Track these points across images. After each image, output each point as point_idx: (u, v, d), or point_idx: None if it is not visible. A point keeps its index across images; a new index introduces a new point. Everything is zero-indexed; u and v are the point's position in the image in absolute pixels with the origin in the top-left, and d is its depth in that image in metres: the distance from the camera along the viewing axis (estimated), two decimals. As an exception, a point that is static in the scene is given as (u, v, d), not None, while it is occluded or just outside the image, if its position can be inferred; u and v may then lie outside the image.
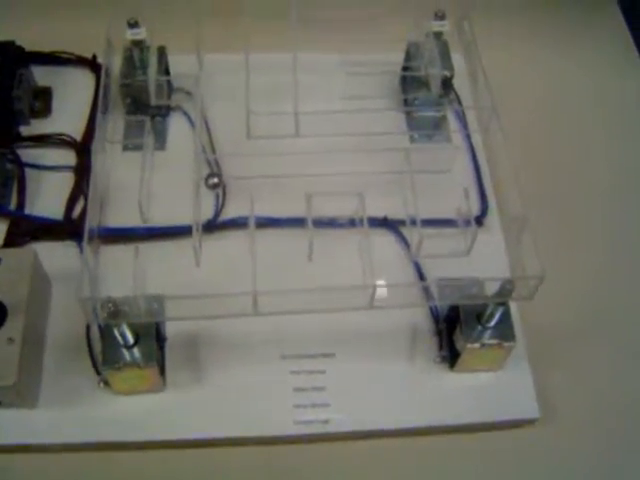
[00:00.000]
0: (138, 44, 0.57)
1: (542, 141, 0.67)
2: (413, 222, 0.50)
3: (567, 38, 0.74)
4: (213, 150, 0.59)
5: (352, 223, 0.54)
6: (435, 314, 0.55)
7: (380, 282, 0.47)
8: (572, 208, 0.63)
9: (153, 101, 0.55)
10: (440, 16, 0.58)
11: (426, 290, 0.53)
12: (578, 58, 0.73)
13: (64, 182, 0.60)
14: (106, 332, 0.49)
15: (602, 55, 0.74)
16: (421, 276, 0.56)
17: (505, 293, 0.47)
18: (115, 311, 0.45)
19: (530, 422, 0.53)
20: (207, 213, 0.58)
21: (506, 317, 0.50)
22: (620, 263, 0.61)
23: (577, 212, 0.63)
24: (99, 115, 0.51)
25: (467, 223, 0.51)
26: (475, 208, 0.59)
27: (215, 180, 0.53)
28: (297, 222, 0.55)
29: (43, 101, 0.64)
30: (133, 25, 0.56)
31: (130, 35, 0.56)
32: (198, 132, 0.51)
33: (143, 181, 0.49)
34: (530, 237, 0.49)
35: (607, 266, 0.61)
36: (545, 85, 0.71)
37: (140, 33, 0.56)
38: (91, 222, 0.48)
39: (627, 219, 0.63)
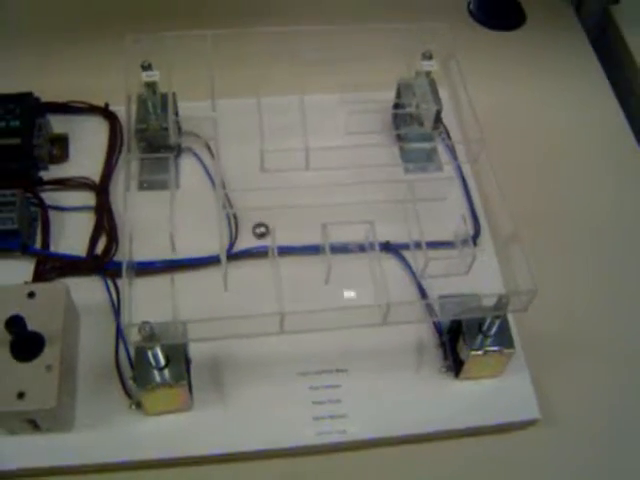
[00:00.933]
0: (152, 86, 0.62)
1: (526, 167, 0.72)
2: (417, 245, 0.55)
3: (546, 75, 0.80)
4: (224, 186, 0.64)
5: (362, 248, 0.58)
6: (438, 328, 0.59)
7: (392, 301, 0.51)
8: (559, 226, 0.68)
9: (172, 140, 0.59)
10: (428, 56, 0.63)
11: (430, 307, 0.58)
12: (556, 93, 0.79)
13: (84, 222, 0.64)
14: (139, 355, 0.52)
15: (578, 90, 0.80)
16: (423, 294, 0.61)
17: (501, 307, 0.52)
18: (151, 334, 0.49)
19: (531, 423, 0.57)
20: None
21: (505, 326, 0.55)
22: (607, 275, 0.66)
23: (563, 229, 0.69)
24: (124, 155, 0.55)
25: (465, 244, 0.56)
26: (469, 230, 0.64)
27: (262, 229, 0.57)
28: (310, 249, 0.60)
29: (60, 147, 0.68)
30: (146, 68, 0.60)
31: (145, 77, 0.60)
32: (217, 167, 0.56)
33: (172, 212, 0.53)
34: (522, 254, 0.53)
35: (596, 279, 0.66)
36: (527, 118, 0.77)
37: (154, 75, 0.60)
38: (124, 256, 0.52)
39: (608, 234, 0.69)
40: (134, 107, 0.64)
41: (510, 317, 0.58)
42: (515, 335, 0.58)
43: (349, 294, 0.58)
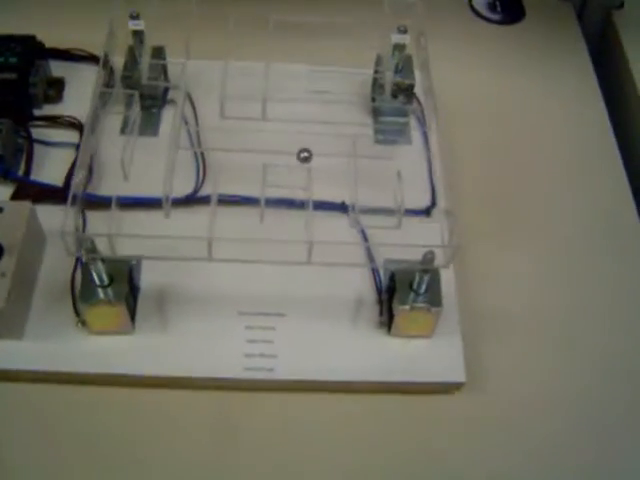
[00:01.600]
0: (138, 35, 0.66)
1: (502, 153, 0.75)
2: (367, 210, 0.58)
3: (532, 63, 0.83)
4: (197, 131, 0.68)
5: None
6: (378, 285, 0.62)
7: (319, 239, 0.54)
8: (517, 208, 0.71)
9: (144, 79, 0.63)
10: (403, 30, 0.66)
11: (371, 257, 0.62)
12: (545, 87, 0.81)
13: (66, 157, 0.68)
14: (85, 273, 0.56)
15: (566, 87, 0.81)
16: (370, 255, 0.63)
17: (427, 261, 0.55)
18: (93, 247, 0.53)
19: (457, 387, 0.59)
20: (188, 189, 0.66)
21: (435, 286, 0.57)
22: (555, 260, 0.68)
23: (520, 211, 0.71)
24: (96, 88, 0.59)
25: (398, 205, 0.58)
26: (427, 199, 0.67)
27: (306, 154, 0.58)
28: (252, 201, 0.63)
29: (56, 89, 0.72)
30: (134, 17, 0.65)
31: (131, 26, 0.65)
32: (180, 108, 0.59)
33: (128, 142, 0.57)
34: (450, 221, 0.56)
35: (543, 262, 0.68)
36: (513, 108, 0.79)
37: (140, 24, 0.65)
38: (77, 181, 0.56)
39: (566, 224, 0.70)
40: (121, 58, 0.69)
41: (453, 286, 0.61)
42: (453, 303, 0.60)
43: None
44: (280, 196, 0.60)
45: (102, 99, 0.62)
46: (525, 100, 0.80)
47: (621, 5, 0.86)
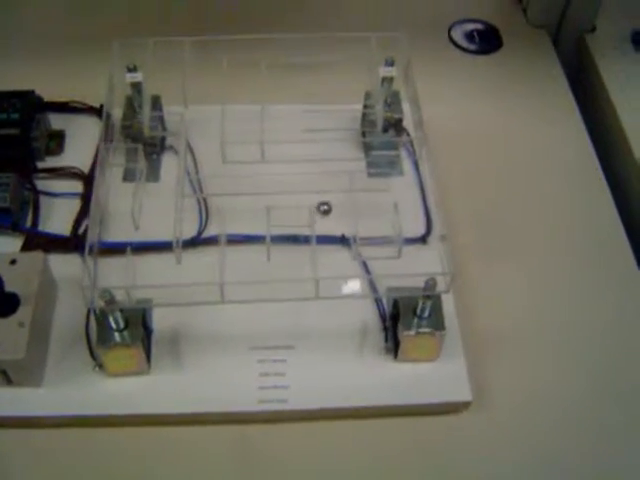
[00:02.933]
0: (136, 86, 0.68)
1: (485, 179, 0.78)
2: (365, 240, 0.61)
3: (512, 89, 0.86)
4: (198, 176, 0.70)
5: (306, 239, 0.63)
6: (382, 313, 0.64)
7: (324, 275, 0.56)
8: (507, 229, 0.74)
9: (147, 132, 0.66)
10: (390, 63, 0.69)
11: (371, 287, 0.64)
12: (522, 107, 0.85)
13: (71, 207, 0.70)
14: (101, 318, 0.58)
15: (546, 112, 0.85)
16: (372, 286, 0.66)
17: (429, 288, 0.57)
18: (111, 299, 0.55)
19: (464, 406, 0.61)
20: (193, 233, 0.69)
21: (437, 311, 0.60)
22: (548, 278, 0.71)
23: (511, 232, 0.74)
24: (101, 144, 0.62)
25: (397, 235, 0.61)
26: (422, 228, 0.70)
27: (325, 207, 0.61)
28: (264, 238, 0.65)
29: (57, 142, 0.75)
30: (131, 70, 0.67)
31: (129, 78, 0.67)
32: (183, 156, 0.62)
33: (136, 194, 0.59)
34: (446, 247, 0.59)
35: (536, 279, 0.70)
36: (494, 135, 0.82)
37: (137, 77, 0.67)
38: (92, 234, 0.59)
39: (556, 241, 0.73)
40: (120, 109, 0.71)
41: (453, 309, 0.63)
42: (455, 325, 0.63)
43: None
44: (283, 233, 0.62)
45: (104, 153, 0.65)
46: (507, 126, 0.83)
47: (593, 29, 0.90)
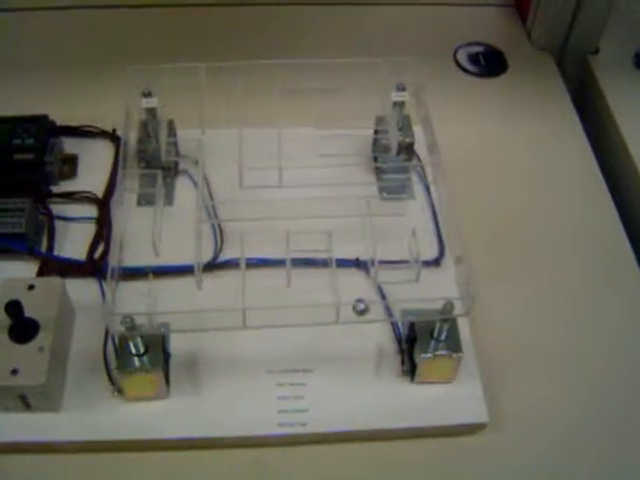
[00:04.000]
0: (151, 111, 0.69)
1: (494, 201, 0.78)
2: (381, 262, 0.62)
3: (518, 111, 0.87)
4: (212, 199, 0.71)
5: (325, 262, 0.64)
6: (398, 337, 0.65)
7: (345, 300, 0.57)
8: (517, 249, 0.75)
9: (163, 157, 0.67)
10: (401, 88, 0.70)
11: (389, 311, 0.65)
12: (528, 129, 0.86)
13: (86, 231, 0.71)
14: (122, 345, 0.59)
15: (552, 134, 0.86)
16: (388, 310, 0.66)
17: (446, 311, 0.58)
18: (132, 325, 0.56)
19: (480, 427, 0.62)
20: (208, 256, 0.69)
21: (454, 333, 0.61)
22: (558, 298, 0.71)
23: (521, 253, 0.74)
24: (120, 171, 0.62)
25: (415, 259, 0.62)
26: (434, 251, 0.70)
27: (362, 306, 0.59)
28: (282, 262, 0.66)
29: (70, 166, 0.75)
30: (147, 95, 0.68)
31: (144, 104, 0.68)
32: (201, 180, 0.63)
33: (156, 221, 0.60)
34: (464, 270, 0.59)
35: (547, 299, 0.71)
36: (501, 157, 0.83)
37: (153, 102, 0.68)
38: (113, 260, 0.59)
39: (566, 262, 0.74)
40: (134, 133, 0.72)
41: (468, 331, 0.64)
42: (470, 348, 0.63)
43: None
44: (300, 256, 0.63)
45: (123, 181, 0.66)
46: (513, 147, 0.84)
47: (596, 51, 0.92)
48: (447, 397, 0.62)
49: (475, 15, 0.98)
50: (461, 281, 0.59)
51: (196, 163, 0.74)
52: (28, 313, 0.59)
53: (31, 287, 0.62)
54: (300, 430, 0.61)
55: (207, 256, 0.69)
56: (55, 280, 0.63)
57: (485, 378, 0.64)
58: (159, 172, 0.66)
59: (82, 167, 0.76)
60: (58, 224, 0.71)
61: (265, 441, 0.61)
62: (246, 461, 0.61)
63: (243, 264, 0.59)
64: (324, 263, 0.64)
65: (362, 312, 0.58)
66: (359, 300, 0.57)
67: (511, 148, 0.84)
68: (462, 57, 0.92)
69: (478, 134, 0.84)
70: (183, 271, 0.66)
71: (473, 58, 0.92)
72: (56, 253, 0.69)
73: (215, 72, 0.69)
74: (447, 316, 0.58)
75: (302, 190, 0.64)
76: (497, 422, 0.62)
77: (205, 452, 0.61)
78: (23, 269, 0.68)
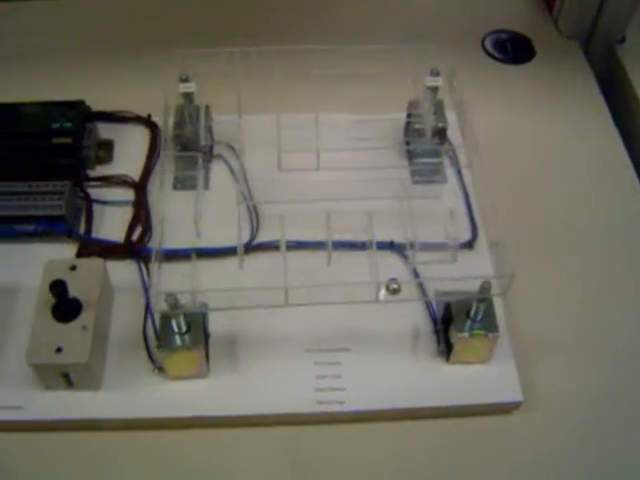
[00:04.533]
0: (188, 96, 0.70)
1: (524, 187, 0.79)
2: (414, 245, 0.63)
3: (546, 99, 0.88)
4: (247, 184, 0.72)
5: (363, 245, 0.65)
6: (434, 317, 0.66)
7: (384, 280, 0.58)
8: (548, 234, 0.75)
9: (202, 141, 0.68)
10: (435, 74, 0.71)
11: (421, 288, 0.66)
12: (556, 115, 0.86)
13: (123, 214, 0.72)
14: (164, 323, 0.60)
15: (580, 121, 0.86)
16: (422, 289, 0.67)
17: (484, 290, 0.59)
18: (175, 303, 0.57)
19: (515, 406, 0.63)
20: (244, 239, 0.70)
21: (490, 313, 0.61)
22: (592, 279, 0.72)
23: (551, 237, 0.75)
24: (162, 153, 0.63)
25: (452, 240, 0.63)
26: (467, 234, 0.71)
27: (395, 285, 0.60)
28: (318, 245, 0.67)
29: (106, 151, 0.76)
30: (184, 80, 0.69)
31: (182, 88, 0.69)
32: (241, 164, 0.64)
33: (198, 202, 0.61)
34: (503, 252, 0.60)
35: (579, 282, 0.72)
36: (529, 144, 0.83)
37: (191, 87, 0.69)
38: (155, 240, 0.61)
39: (596, 246, 0.75)
40: (171, 119, 0.72)
41: (502, 314, 0.64)
42: (504, 328, 0.64)
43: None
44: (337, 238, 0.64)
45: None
46: (541, 134, 0.84)
47: (623, 40, 0.92)
48: (482, 376, 0.63)
49: (502, 3, 0.99)
50: (499, 261, 0.60)
51: (231, 148, 0.76)
52: (71, 293, 0.60)
53: (73, 268, 0.63)
54: (337, 408, 0.61)
55: (243, 239, 0.70)
56: (97, 261, 0.64)
57: (518, 358, 0.64)
58: (199, 154, 0.66)
59: (117, 152, 0.77)
60: (95, 207, 0.72)
61: (303, 419, 0.62)
62: (284, 439, 0.62)
63: (283, 244, 0.59)
64: (362, 245, 0.65)
65: (395, 291, 0.59)
66: (392, 279, 0.58)
67: (538, 134, 0.84)
68: (490, 44, 0.93)
69: (506, 120, 0.84)
70: (222, 253, 0.67)
71: (501, 45, 0.93)
72: (93, 235, 0.70)
73: (246, 57, 0.69)
74: (485, 295, 0.59)
75: (338, 173, 0.65)
76: (531, 401, 0.63)
77: (244, 430, 0.62)
78: (62, 251, 0.69)
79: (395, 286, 0.59)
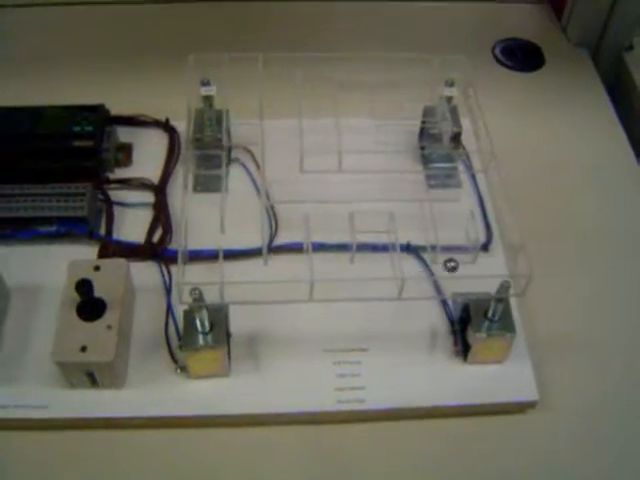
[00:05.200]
0: (209, 99, 0.72)
1: (535, 191, 0.80)
2: (433, 248, 0.64)
3: (555, 105, 0.90)
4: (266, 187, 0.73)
5: (384, 247, 0.67)
6: (450, 318, 0.67)
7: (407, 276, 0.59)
8: (561, 236, 0.77)
9: (225, 142, 0.69)
10: (450, 84, 0.72)
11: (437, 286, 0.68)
12: (569, 128, 0.87)
13: (143, 216, 0.73)
14: (187, 321, 0.61)
15: (589, 127, 0.87)
16: (438, 289, 0.68)
17: (503, 290, 0.60)
18: (200, 297, 0.58)
19: (531, 405, 0.64)
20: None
21: (507, 313, 0.62)
22: (605, 280, 0.73)
23: (564, 239, 0.76)
24: (184, 152, 0.64)
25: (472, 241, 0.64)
26: (482, 237, 0.72)
27: (453, 264, 0.64)
28: (341, 247, 0.68)
29: (125, 154, 0.77)
30: (205, 84, 0.71)
31: (203, 92, 0.71)
32: (262, 167, 0.65)
33: (223, 199, 0.62)
34: (524, 254, 0.61)
35: (594, 282, 0.73)
36: (539, 150, 0.85)
37: (211, 90, 0.70)
38: (180, 240, 0.62)
39: (608, 248, 0.76)
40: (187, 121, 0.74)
41: (518, 315, 0.65)
42: (520, 328, 0.65)
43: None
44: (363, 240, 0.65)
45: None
46: (551, 140, 0.86)
47: (631, 47, 0.94)
48: (499, 376, 0.64)
49: (512, 12, 1.00)
50: (517, 262, 0.61)
51: (249, 151, 0.77)
52: (96, 293, 0.61)
53: (97, 268, 0.64)
54: (357, 407, 0.62)
55: (258, 241, 0.70)
56: (120, 261, 0.65)
57: (534, 358, 0.65)
58: (223, 153, 0.68)
59: (136, 155, 0.78)
60: (116, 210, 0.73)
61: (325, 418, 0.63)
62: (306, 437, 0.63)
63: (308, 240, 0.61)
64: (382, 247, 0.67)
65: (453, 269, 0.62)
66: (450, 260, 0.60)
67: (547, 140, 0.85)
68: (500, 52, 0.94)
69: (516, 126, 0.85)
70: (242, 254, 0.68)
71: (511, 53, 0.94)
72: (114, 237, 0.71)
73: (272, 61, 0.71)
74: (504, 295, 0.60)
75: (357, 176, 0.66)
76: (547, 401, 0.64)
77: (266, 428, 0.63)
78: (83, 252, 0.70)
79: (453, 264, 0.62)
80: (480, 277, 0.60)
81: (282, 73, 0.69)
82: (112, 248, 0.70)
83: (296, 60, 0.70)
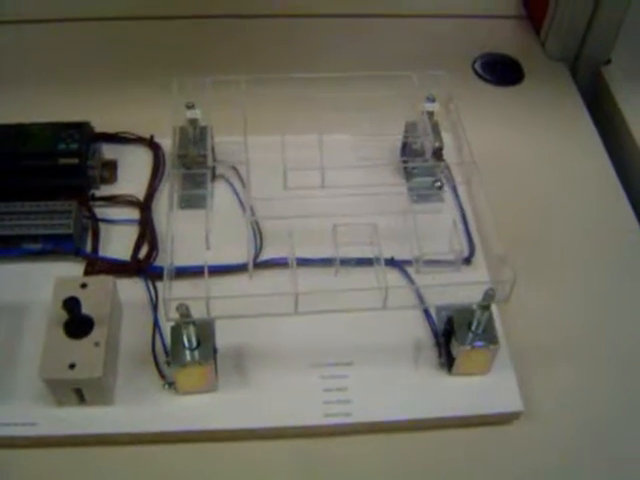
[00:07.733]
0: (193, 122, 0.73)
1: (516, 204, 0.81)
2: (416, 261, 0.65)
3: (535, 120, 0.91)
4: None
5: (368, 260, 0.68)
6: (434, 329, 0.68)
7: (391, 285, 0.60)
8: (537, 245, 0.78)
9: (210, 162, 0.70)
10: (431, 99, 0.73)
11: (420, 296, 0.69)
12: (548, 142, 0.89)
13: (129, 233, 0.73)
14: (175, 337, 0.61)
15: (569, 141, 0.89)
16: (421, 298, 0.69)
17: (488, 298, 0.61)
18: (187, 312, 0.58)
19: (515, 416, 0.65)
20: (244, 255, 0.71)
21: (491, 326, 0.63)
22: (587, 290, 0.75)
23: (542, 250, 0.78)
24: (170, 171, 0.65)
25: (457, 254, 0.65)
26: (465, 248, 0.73)
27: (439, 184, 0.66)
28: (325, 261, 0.69)
29: (110, 171, 0.78)
30: (190, 107, 0.72)
31: (188, 115, 0.72)
32: (248, 182, 0.65)
33: (208, 217, 0.63)
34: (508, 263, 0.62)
35: (577, 292, 0.74)
36: (519, 163, 0.86)
37: (196, 114, 0.72)
38: (166, 257, 0.63)
39: (586, 257, 0.78)
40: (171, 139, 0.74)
41: (500, 327, 0.66)
42: (503, 340, 0.66)
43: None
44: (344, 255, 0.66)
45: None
46: (530, 154, 0.87)
47: (609, 61, 0.95)
48: (483, 387, 0.65)
49: (492, 27, 1.02)
50: (499, 269, 0.62)
51: (233, 169, 0.78)
52: (83, 310, 0.61)
53: (83, 285, 0.64)
54: (345, 420, 0.63)
55: (243, 256, 0.71)
56: (106, 279, 0.65)
57: (517, 369, 0.66)
58: (207, 171, 0.68)
59: (121, 172, 0.79)
60: (101, 227, 0.74)
61: (312, 431, 0.63)
62: (294, 451, 0.63)
63: (292, 255, 0.61)
64: (366, 260, 0.67)
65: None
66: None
67: (527, 153, 0.87)
68: (480, 67, 0.96)
69: (496, 139, 0.87)
70: (227, 270, 0.69)
71: (491, 68, 0.96)
72: (100, 254, 0.72)
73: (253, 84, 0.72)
74: (489, 302, 0.61)
75: (340, 191, 0.67)
76: (532, 411, 0.65)
77: (254, 442, 0.63)
78: (68, 270, 0.70)
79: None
80: (464, 284, 0.61)
81: (265, 93, 0.70)
82: (98, 265, 0.71)
83: (279, 80, 0.71)
